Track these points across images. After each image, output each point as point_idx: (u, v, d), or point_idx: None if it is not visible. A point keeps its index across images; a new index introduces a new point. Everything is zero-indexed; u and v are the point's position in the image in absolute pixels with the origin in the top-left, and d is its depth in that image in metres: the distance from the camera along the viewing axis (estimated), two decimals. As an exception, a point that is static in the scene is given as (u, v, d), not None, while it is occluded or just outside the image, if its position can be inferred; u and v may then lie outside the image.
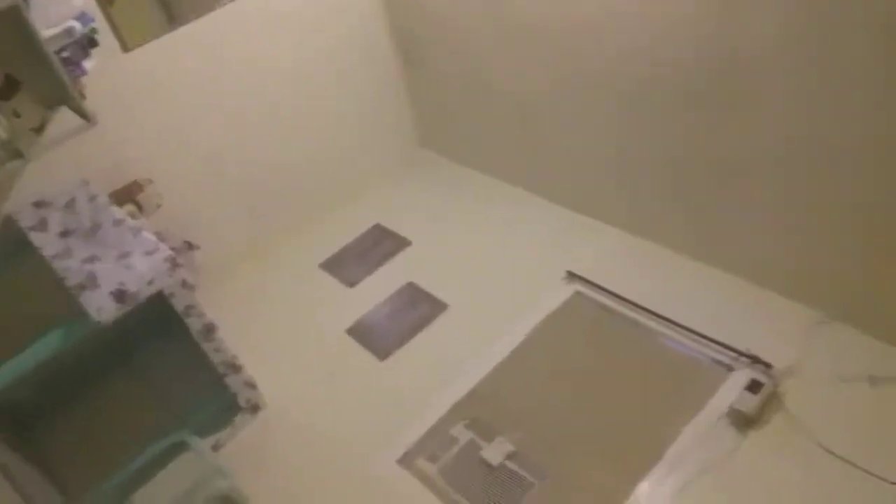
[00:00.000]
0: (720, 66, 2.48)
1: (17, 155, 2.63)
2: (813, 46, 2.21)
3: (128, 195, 3.14)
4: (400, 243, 3.71)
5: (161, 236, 2.86)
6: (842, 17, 2.09)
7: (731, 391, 2.57)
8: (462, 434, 2.73)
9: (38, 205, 2.86)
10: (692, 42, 2.52)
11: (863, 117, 2.22)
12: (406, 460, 2.71)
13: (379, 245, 3.74)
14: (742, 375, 2.60)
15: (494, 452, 2.62)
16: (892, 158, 2.22)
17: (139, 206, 3.15)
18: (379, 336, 3.23)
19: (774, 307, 2.82)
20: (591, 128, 3.17)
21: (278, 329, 3.41)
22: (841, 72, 2.19)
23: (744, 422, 2.47)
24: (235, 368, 2.86)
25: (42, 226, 2.77)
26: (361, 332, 3.27)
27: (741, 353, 2.66)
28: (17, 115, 2.74)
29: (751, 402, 2.47)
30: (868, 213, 2.40)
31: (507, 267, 3.40)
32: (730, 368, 2.67)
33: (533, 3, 2.99)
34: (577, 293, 3.16)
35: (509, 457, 2.60)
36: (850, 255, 2.54)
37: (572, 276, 3.21)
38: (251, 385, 2.93)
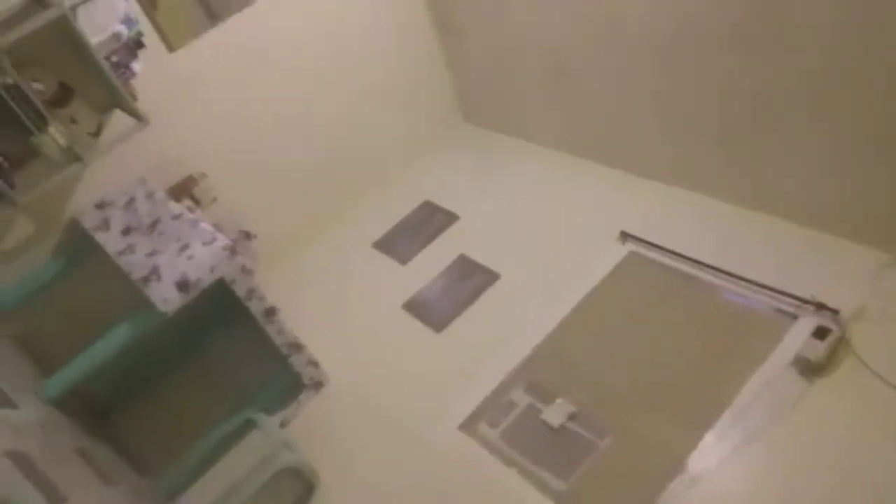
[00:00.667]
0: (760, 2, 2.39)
1: (77, 159, 2.77)
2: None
3: (184, 190, 3.26)
4: (449, 218, 3.73)
5: (219, 227, 2.96)
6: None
7: (796, 339, 2.49)
8: (521, 398, 2.74)
9: (100, 205, 3.00)
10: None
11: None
12: (467, 427, 2.74)
13: (429, 221, 3.77)
14: (807, 323, 2.52)
15: (555, 414, 2.62)
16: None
17: (195, 200, 3.26)
18: (434, 309, 3.27)
19: (837, 251, 2.71)
20: (632, 83, 3.10)
21: (337, 308, 3.49)
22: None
23: (811, 369, 2.40)
24: (298, 348, 2.95)
25: (105, 225, 2.91)
26: (417, 307, 3.32)
27: (805, 301, 2.57)
28: (74, 122, 2.87)
29: (818, 349, 2.39)
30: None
31: (558, 232, 3.38)
32: (794, 317, 2.59)
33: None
34: (633, 253, 3.11)
35: (570, 418, 2.60)
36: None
37: (626, 236, 3.16)
38: (314, 363, 3.02)
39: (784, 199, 2.87)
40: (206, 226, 2.79)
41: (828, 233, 2.76)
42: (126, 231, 2.86)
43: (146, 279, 2.60)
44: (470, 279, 3.33)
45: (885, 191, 2.50)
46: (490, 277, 3.29)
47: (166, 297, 2.52)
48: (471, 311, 3.18)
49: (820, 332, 2.44)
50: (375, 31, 3.78)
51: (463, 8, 3.70)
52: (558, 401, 2.66)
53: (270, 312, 2.84)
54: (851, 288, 2.55)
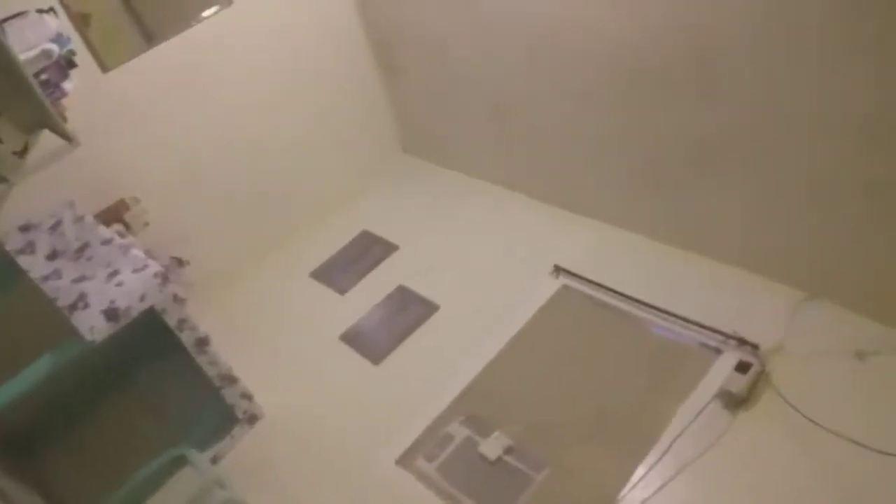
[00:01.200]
0: (692, 50, 2.52)
1: (1, 180, 2.64)
2: (781, 25, 2.25)
3: (115, 214, 3.16)
4: (388, 248, 3.74)
5: (150, 254, 2.88)
6: None
7: (720, 373, 2.61)
8: (458, 431, 2.75)
9: (25, 228, 2.87)
10: (662, 27, 2.56)
11: (833, 93, 2.27)
12: (404, 461, 2.73)
13: (368, 251, 3.77)
14: (730, 357, 2.64)
15: (492, 447, 2.64)
16: (860, 132, 2.27)
17: (127, 225, 3.17)
18: (372, 341, 3.25)
19: (758, 289, 2.87)
20: (569, 123, 3.21)
21: (272, 339, 3.43)
22: (805, 52, 2.24)
23: (734, 402, 2.51)
24: (231, 380, 2.88)
25: (29, 249, 2.78)
26: (355, 338, 3.29)
27: (728, 336, 2.70)
28: (-1, 140, 2.75)
29: (740, 383, 2.51)
30: (841, 190, 2.45)
31: (495, 265, 3.44)
32: (718, 351, 2.72)
33: (503, 3, 3.02)
34: (565, 286, 3.20)
35: (507, 451, 2.63)
36: (828, 233, 2.59)
37: (559, 269, 3.25)
38: (247, 396, 2.95)
39: (709, 240, 3.02)
40: (137, 252, 2.71)
41: (750, 271, 2.92)
42: (52, 255, 2.74)
43: (72, 307, 2.49)
44: (408, 310, 3.34)
45: (802, 234, 2.67)
46: (429, 309, 3.31)
47: (93, 326, 2.42)
48: (409, 343, 3.19)
49: (742, 367, 2.56)
50: (316, 62, 3.79)
51: (403, 45, 3.76)
52: (495, 434, 2.69)
53: (202, 343, 2.77)
54: (771, 323, 2.70)
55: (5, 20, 2.69)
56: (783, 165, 2.56)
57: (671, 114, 2.76)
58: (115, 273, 2.61)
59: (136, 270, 2.60)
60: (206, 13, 3.31)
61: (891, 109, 2.15)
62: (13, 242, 2.82)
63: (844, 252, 2.59)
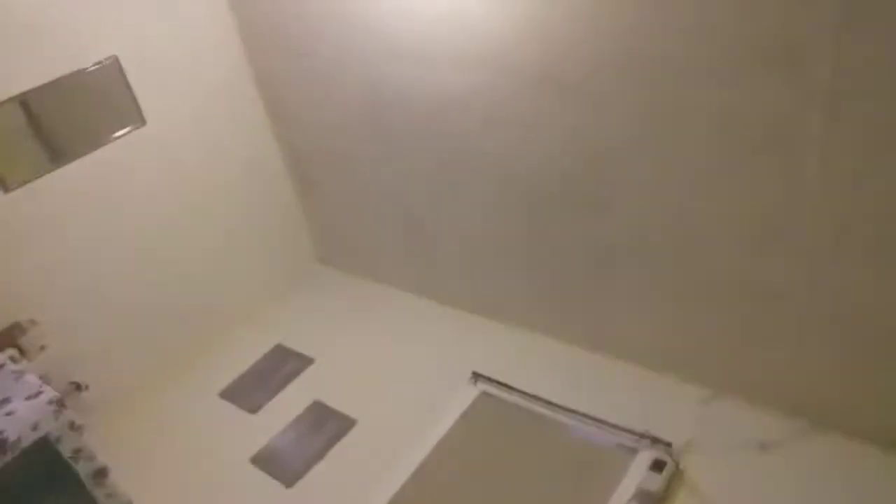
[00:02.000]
0: (588, 163, 2.71)
1: None
2: (663, 136, 2.46)
3: (8, 339, 2.99)
4: (303, 362, 3.67)
5: (46, 379, 2.71)
6: (685, 109, 2.36)
7: (637, 473, 2.65)
8: (381, 552, 2.64)
9: None
10: (559, 140, 2.74)
11: (717, 199, 2.47)
12: (324, 589, 2.58)
13: (282, 366, 3.68)
14: (646, 457, 2.69)
15: (415, 567, 2.55)
16: (748, 235, 2.47)
17: (21, 350, 3.00)
18: (286, 462, 3.12)
19: (666, 388, 2.97)
20: (477, 233, 3.34)
21: (179, 464, 3.23)
22: (687, 161, 2.46)
23: (653, 501, 2.54)
24: (132, 513, 2.68)
25: None
26: (267, 460, 3.15)
27: (642, 435, 2.76)
28: None
29: (656, 482, 2.56)
30: (727, 291, 2.63)
31: (412, 375, 3.42)
32: (634, 451, 2.76)
33: (409, 117, 3.18)
34: (484, 393, 3.21)
35: (430, 570, 2.53)
36: (724, 332, 2.75)
37: (477, 376, 3.27)
38: (150, 529, 2.74)
39: (619, 342, 3.14)
40: (31, 378, 2.56)
41: (657, 371, 3.04)
42: (-67, 388, 2.55)
43: (-46, 442, 2.30)
44: (325, 427, 3.24)
45: (701, 333, 2.83)
46: (346, 424, 3.23)
47: (-22, 462, 2.24)
48: (326, 461, 3.07)
49: (657, 465, 2.62)
50: (229, 177, 3.83)
51: (315, 158, 3.87)
52: (418, 552, 2.59)
53: (100, 474, 2.58)
54: (681, 421, 2.79)
55: None
56: (676, 269, 2.73)
57: (571, 225, 2.93)
58: (5, 402, 2.45)
59: (28, 398, 2.45)
60: (117, 133, 3.32)
61: (762, 216, 2.37)
62: None
63: (740, 349, 2.75)
